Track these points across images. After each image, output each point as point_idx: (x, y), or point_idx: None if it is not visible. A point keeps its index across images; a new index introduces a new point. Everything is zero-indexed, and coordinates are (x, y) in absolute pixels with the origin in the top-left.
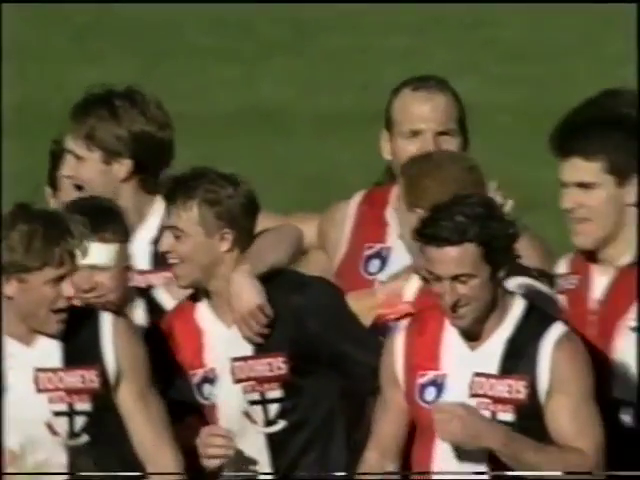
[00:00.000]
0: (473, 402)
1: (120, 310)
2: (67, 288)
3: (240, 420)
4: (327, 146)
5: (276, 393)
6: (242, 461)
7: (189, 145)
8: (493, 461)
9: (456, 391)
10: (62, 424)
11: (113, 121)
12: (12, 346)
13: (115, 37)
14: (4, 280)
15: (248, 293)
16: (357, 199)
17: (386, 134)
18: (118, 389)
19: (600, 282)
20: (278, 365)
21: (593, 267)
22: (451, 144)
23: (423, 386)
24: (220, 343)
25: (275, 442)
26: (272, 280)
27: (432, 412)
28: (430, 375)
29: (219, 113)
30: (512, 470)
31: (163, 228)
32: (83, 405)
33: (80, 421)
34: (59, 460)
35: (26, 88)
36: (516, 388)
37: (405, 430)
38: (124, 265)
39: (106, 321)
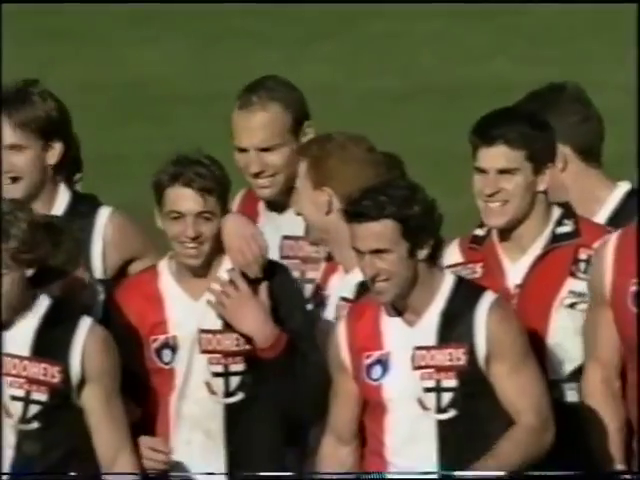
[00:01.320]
0: (417, 374)
1: None
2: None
3: (200, 389)
4: (368, 123)
5: (239, 367)
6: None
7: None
8: (443, 439)
9: (400, 366)
10: (17, 408)
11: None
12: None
13: (170, 22)
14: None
15: (241, 227)
16: (239, 196)
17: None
18: (82, 390)
19: (513, 267)
20: (244, 341)
21: (502, 255)
22: (276, 156)
23: (369, 366)
24: (186, 313)
25: (231, 414)
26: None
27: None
28: (375, 355)
29: None
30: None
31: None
32: (40, 395)
33: (33, 409)
34: (8, 440)
35: (90, 69)
36: (456, 356)
37: (357, 412)
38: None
39: (83, 324)
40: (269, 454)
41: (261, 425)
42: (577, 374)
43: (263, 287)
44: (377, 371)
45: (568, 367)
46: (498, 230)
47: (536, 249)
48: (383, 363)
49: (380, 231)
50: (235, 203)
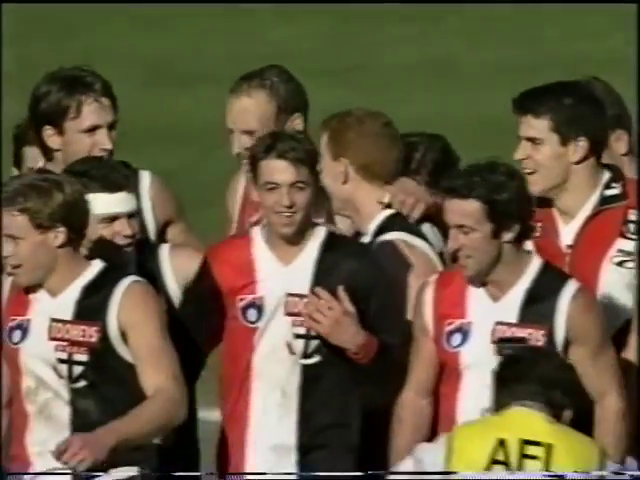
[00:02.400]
0: (495, 347)
1: None
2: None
3: (281, 349)
4: (491, 93)
5: (82, 357)
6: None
7: (368, 92)
8: None
9: (479, 337)
10: (64, 369)
11: None
12: (40, 293)
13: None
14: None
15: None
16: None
17: None
18: (126, 342)
19: (565, 228)
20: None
21: (556, 216)
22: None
23: (450, 333)
24: (275, 277)
25: (308, 374)
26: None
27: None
28: (457, 323)
29: (396, 65)
30: None
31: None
32: (81, 356)
33: (77, 369)
34: (63, 399)
35: (233, 42)
36: (536, 336)
37: (434, 373)
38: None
39: (122, 284)
40: (338, 417)
41: (334, 389)
42: (625, 327)
43: (342, 294)
44: (457, 339)
45: (617, 321)
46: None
47: (585, 211)
48: (463, 332)
49: (466, 209)
50: (241, 187)
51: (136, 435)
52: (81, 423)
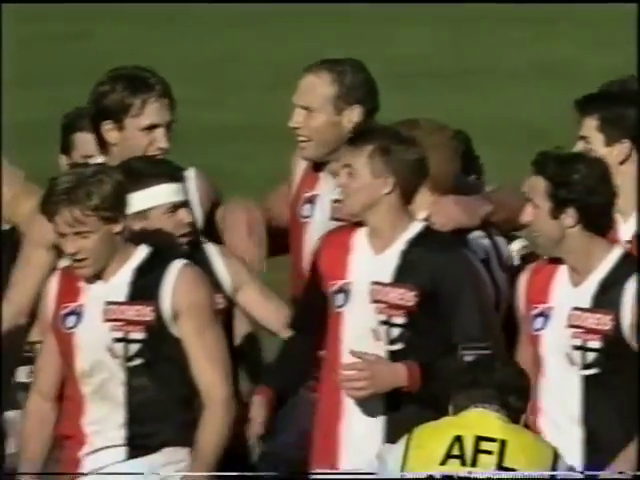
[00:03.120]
0: (569, 332)
1: None
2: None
3: (365, 335)
4: None
5: (400, 319)
6: None
7: (485, 95)
8: (587, 393)
9: (557, 321)
10: (119, 349)
11: None
12: (91, 280)
13: (427, 7)
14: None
15: (452, 211)
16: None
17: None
18: (176, 324)
19: (624, 226)
20: (409, 297)
21: (617, 213)
22: (312, 119)
23: (535, 317)
24: (365, 264)
25: (394, 359)
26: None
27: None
28: (540, 308)
29: (509, 68)
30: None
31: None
32: (137, 334)
33: (134, 347)
34: (119, 378)
35: (356, 46)
36: (603, 321)
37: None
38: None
39: (174, 266)
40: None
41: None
42: None
43: (358, 353)
44: (539, 322)
45: None
46: None
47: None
48: (545, 316)
49: (533, 184)
50: (300, 167)
51: (216, 458)
52: (137, 401)
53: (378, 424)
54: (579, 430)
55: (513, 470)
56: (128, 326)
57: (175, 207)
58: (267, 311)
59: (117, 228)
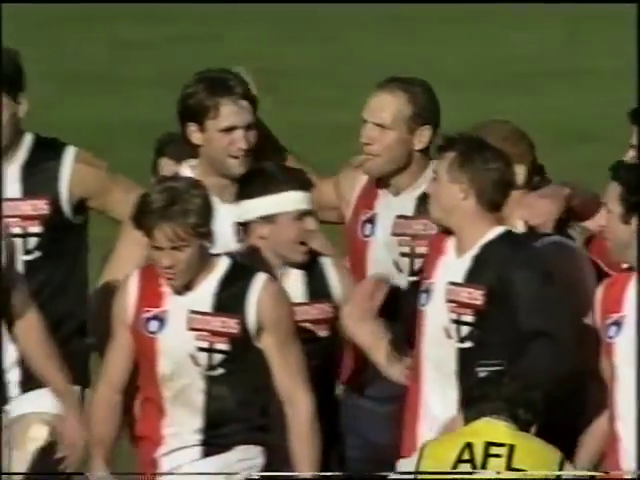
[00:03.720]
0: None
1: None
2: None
3: (440, 333)
4: None
5: (469, 318)
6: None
7: (597, 95)
8: None
9: (628, 329)
10: (203, 358)
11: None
12: (176, 288)
13: (537, 8)
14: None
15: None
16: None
17: None
18: (260, 338)
19: None
20: (477, 296)
21: None
22: (386, 136)
23: (608, 326)
24: (444, 265)
25: (463, 357)
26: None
27: None
28: (614, 317)
29: (617, 68)
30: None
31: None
32: (222, 345)
33: (217, 358)
34: (198, 386)
35: (471, 47)
36: None
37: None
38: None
39: (258, 280)
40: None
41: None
42: None
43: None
44: (612, 330)
45: None
46: None
47: None
48: (618, 325)
49: (610, 190)
50: (360, 184)
51: (317, 465)
52: (215, 409)
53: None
54: None
55: (523, 471)
56: (213, 337)
57: (302, 215)
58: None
59: (209, 241)
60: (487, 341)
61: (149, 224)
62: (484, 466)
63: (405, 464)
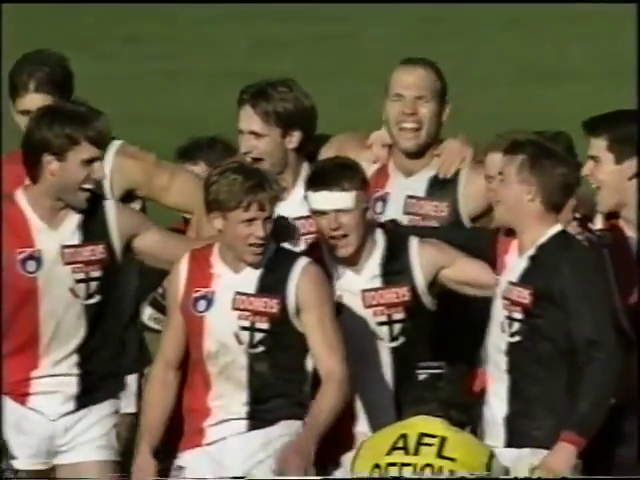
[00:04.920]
0: None
1: (359, 247)
2: (258, 229)
3: (495, 327)
4: None
5: (518, 315)
6: None
7: None
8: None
9: None
10: (245, 336)
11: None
12: (223, 270)
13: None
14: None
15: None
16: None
17: (385, 99)
18: (300, 317)
19: (634, 237)
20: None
21: (625, 226)
22: (425, 107)
23: None
24: (508, 266)
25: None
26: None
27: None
28: None
29: None
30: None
31: None
32: (262, 324)
33: (259, 336)
34: (241, 362)
35: (592, 42)
36: None
37: None
38: (362, 208)
39: (299, 264)
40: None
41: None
42: None
43: None
44: None
45: None
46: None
47: None
48: None
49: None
50: (369, 169)
51: (326, 428)
52: (257, 384)
53: None
54: None
55: (451, 459)
56: (255, 316)
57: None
58: None
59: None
60: (534, 337)
61: (241, 199)
62: (416, 452)
63: (346, 460)
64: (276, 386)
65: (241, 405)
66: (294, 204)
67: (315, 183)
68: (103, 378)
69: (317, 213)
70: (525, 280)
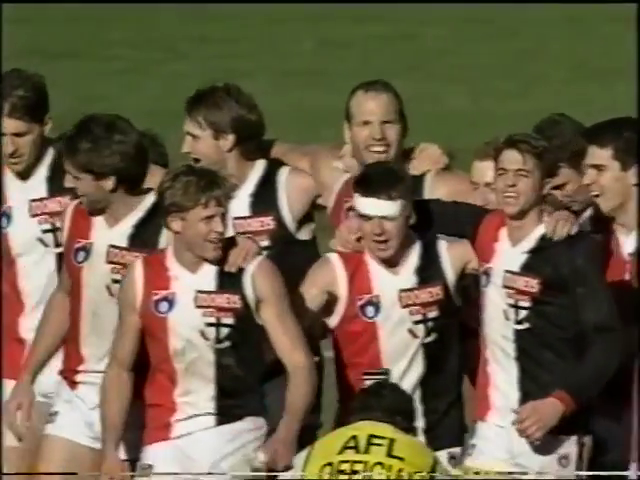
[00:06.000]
0: None
1: (396, 255)
2: (217, 225)
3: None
4: None
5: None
6: None
7: None
8: None
9: None
10: (211, 332)
11: (217, 108)
12: (180, 271)
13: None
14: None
15: None
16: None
17: (347, 124)
18: (259, 310)
19: (625, 240)
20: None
21: (618, 229)
22: (392, 129)
23: None
24: (501, 254)
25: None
26: None
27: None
28: None
29: None
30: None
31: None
32: (228, 319)
33: (225, 331)
34: (208, 358)
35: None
36: None
37: None
38: (405, 216)
39: (253, 262)
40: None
41: (551, 352)
42: None
43: None
44: None
45: None
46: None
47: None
48: None
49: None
50: (341, 179)
51: (304, 417)
52: (224, 379)
53: None
54: None
55: (400, 458)
56: (220, 312)
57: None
58: None
59: None
60: (542, 325)
61: (199, 197)
62: (367, 452)
63: (298, 456)
64: (243, 380)
65: (209, 400)
66: (239, 203)
67: (364, 188)
68: None
69: (363, 216)
70: (530, 269)
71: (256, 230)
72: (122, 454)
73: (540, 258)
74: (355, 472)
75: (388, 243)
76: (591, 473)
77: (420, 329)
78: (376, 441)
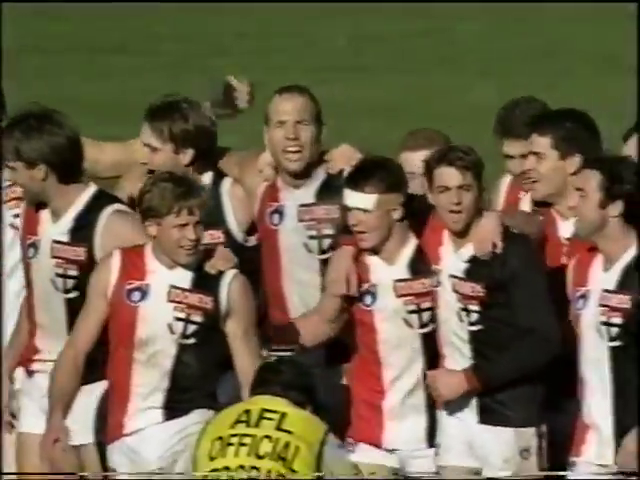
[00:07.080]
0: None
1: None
2: (190, 232)
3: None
4: None
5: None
6: None
7: None
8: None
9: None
10: (179, 327)
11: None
12: (157, 266)
13: None
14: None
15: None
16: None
17: (265, 128)
18: (227, 321)
19: (562, 224)
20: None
21: (555, 214)
22: (305, 130)
23: (577, 298)
24: (449, 259)
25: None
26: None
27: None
28: (582, 290)
29: None
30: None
31: None
32: (197, 317)
33: (192, 328)
34: (170, 352)
35: None
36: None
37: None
38: (385, 210)
39: (230, 273)
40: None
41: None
42: None
43: None
44: (580, 303)
45: None
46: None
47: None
48: (585, 297)
49: (581, 176)
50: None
51: None
52: (180, 374)
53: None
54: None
55: (289, 432)
56: (190, 309)
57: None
58: None
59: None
60: (493, 326)
61: (172, 205)
62: (257, 426)
63: (190, 442)
64: (197, 378)
65: (161, 393)
66: None
67: (347, 180)
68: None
69: (345, 207)
70: (472, 275)
71: (208, 243)
72: (91, 437)
73: (480, 264)
74: (243, 445)
75: (365, 235)
76: (557, 473)
77: (414, 319)
78: (268, 415)
